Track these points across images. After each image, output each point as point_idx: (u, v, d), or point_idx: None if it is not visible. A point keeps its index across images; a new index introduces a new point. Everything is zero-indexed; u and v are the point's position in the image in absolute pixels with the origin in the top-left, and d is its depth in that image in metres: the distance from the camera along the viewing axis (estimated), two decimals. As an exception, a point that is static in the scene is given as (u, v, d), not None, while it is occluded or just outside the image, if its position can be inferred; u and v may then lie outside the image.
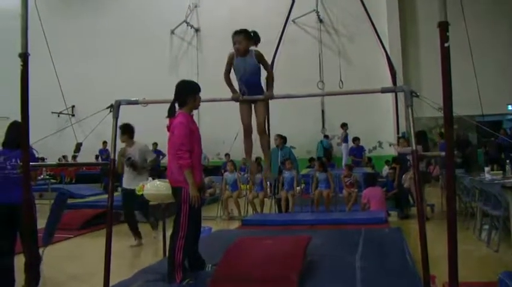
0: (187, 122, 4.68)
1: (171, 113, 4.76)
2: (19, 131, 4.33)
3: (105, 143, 18.64)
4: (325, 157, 15.78)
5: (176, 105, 4.80)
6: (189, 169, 4.54)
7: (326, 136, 18.74)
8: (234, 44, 4.72)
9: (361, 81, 15.39)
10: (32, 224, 5.21)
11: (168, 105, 4.80)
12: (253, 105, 4.92)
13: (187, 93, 4.79)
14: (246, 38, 4.70)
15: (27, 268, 4.18)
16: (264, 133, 5.06)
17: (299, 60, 18.87)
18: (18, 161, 4.82)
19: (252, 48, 4.77)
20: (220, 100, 5.03)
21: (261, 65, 4.78)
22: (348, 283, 4.42)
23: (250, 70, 4.73)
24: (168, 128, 4.81)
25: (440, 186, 11.06)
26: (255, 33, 4.77)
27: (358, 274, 4.67)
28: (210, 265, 4.93)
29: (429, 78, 16.75)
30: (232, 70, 4.82)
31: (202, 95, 4.93)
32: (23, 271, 4.33)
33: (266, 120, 5.13)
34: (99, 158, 19.01)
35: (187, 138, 4.58)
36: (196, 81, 5.08)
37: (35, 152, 5.33)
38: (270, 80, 4.96)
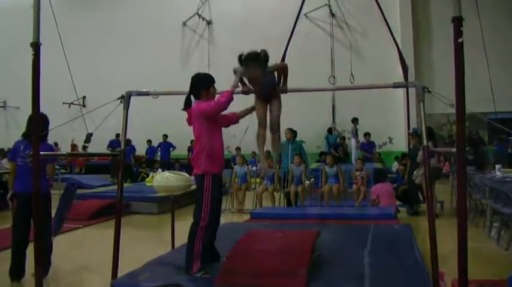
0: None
1: (187, 105, 4.78)
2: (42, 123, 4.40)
3: (117, 135, 18.70)
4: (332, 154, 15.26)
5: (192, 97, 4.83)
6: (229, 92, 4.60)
7: (330, 130, 18.51)
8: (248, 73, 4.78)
9: (373, 76, 15.34)
10: (46, 214, 5.28)
11: (179, 97, 4.81)
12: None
13: (200, 86, 4.79)
14: (261, 71, 4.71)
15: (37, 256, 4.20)
16: (276, 131, 5.08)
17: (311, 55, 18.81)
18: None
19: (268, 69, 4.78)
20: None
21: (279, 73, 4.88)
22: (356, 278, 4.41)
23: (267, 85, 4.83)
24: (188, 121, 4.83)
25: (450, 183, 11.01)
26: (264, 53, 4.71)
27: (366, 269, 4.67)
28: (225, 259, 4.93)
29: (441, 74, 16.68)
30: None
31: (213, 87, 4.92)
32: (33, 259, 4.35)
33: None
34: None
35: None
36: (210, 74, 5.05)
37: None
38: (285, 75, 4.95)
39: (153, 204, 10.61)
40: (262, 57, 4.67)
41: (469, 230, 3.52)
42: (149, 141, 19.98)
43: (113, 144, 18.65)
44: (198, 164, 4.73)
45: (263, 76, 4.72)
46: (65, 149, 19.45)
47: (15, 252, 5.33)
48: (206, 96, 4.78)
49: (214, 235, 4.98)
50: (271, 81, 4.84)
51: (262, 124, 4.97)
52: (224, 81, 4.92)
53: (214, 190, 4.69)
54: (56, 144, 19.48)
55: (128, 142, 18.21)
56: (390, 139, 19.17)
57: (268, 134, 5.03)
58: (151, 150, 20.04)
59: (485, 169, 9.27)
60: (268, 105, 4.94)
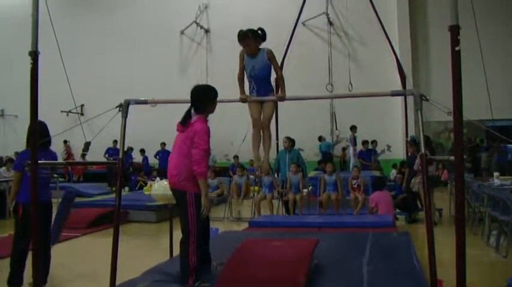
0: (208, 129, 4.60)
1: (186, 121, 4.61)
2: (41, 131, 4.41)
3: (115, 142, 18.64)
4: (325, 162, 14.77)
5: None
6: (204, 179, 4.48)
7: (320, 138, 18.75)
8: (243, 47, 4.75)
9: (371, 84, 15.32)
10: (46, 223, 5.29)
11: (177, 105, 4.77)
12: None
13: (206, 99, 4.69)
14: (254, 39, 4.72)
15: (35, 265, 4.18)
16: (267, 128, 4.99)
17: (309, 63, 18.86)
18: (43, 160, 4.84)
19: (264, 47, 4.80)
20: (229, 101, 5.02)
21: (272, 65, 4.77)
22: (355, 286, 4.40)
23: (259, 66, 4.74)
24: (178, 128, 4.70)
25: (449, 191, 11.02)
26: (262, 30, 4.79)
27: (365, 277, 4.65)
28: (214, 264, 4.91)
29: (439, 82, 16.71)
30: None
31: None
32: (31, 267, 4.34)
33: (273, 120, 5.14)
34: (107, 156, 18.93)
35: (209, 146, 4.53)
36: (210, 85, 4.92)
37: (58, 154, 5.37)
38: (280, 82, 4.92)
39: (151, 212, 10.60)
40: (254, 30, 4.73)
41: (467, 237, 3.52)
42: (142, 151, 19.84)
43: (110, 152, 18.62)
44: (180, 184, 4.56)
45: (255, 44, 4.72)
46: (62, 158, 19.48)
47: (15, 261, 5.32)
48: (211, 108, 4.73)
49: (207, 242, 4.97)
50: (265, 60, 4.73)
51: (256, 124, 4.92)
52: (222, 89, 4.90)
53: (198, 202, 4.51)
54: (65, 141, 19.51)
55: (128, 150, 18.22)
56: (388, 147, 19.17)
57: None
58: (144, 160, 19.93)
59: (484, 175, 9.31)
60: (261, 105, 4.89)
